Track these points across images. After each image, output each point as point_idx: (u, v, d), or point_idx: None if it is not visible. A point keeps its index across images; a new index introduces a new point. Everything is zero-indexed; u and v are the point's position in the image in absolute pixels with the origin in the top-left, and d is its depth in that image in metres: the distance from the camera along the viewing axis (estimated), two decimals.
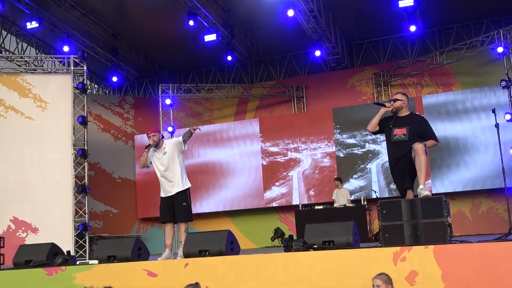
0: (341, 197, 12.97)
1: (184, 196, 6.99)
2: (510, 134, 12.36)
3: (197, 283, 5.21)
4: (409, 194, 6.06)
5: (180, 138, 7.05)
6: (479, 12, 14.35)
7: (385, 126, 6.31)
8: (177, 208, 6.94)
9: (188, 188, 7.09)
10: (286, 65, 16.90)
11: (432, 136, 6.12)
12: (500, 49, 12.56)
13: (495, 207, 13.73)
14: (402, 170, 6.10)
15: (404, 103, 6.27)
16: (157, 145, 7.06)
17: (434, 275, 4.73)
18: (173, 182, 6.98)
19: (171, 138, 7.19)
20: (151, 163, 7.16)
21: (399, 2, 12.60)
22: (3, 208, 11.66)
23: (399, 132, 6.14)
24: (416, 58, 15.14)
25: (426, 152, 5.90)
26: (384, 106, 6.38)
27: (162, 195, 7.08)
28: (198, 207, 15.16)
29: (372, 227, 12.99)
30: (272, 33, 15.14)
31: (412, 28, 13.97)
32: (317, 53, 14.41)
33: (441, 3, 13.88)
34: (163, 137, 7.24)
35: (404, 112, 6.28)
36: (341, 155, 14.76)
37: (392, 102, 6.32)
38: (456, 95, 14.17)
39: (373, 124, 6.37)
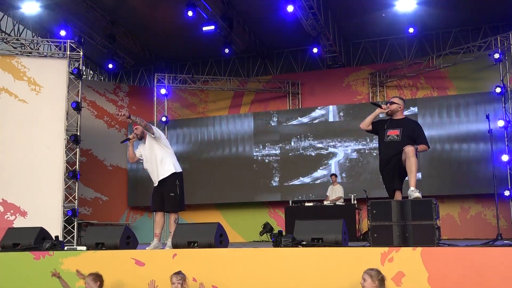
0: (335, 194, 13.03)
1: (171, 186, 6.85)
2: (503, 140, 12.43)
3: (179, 271, 5.24)
4: (397, 195, 6.14)
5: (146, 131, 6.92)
6: (477, 17, 14.39)
7: (379, 128, 6.43)
8: (166, 198, 6.88)
9: (177, 175, 6.90)
10: (283, 60, 16.89)
11: (424, 141, 6.21)
12: (496, 55, 12.61)
13: (483, 212, 13.83)
14: (392, 171, 6.20)
15: (400, 107, 6.40)
16: (143, 137, 7.00)
17: (421, 277, 4.75)
18: (155, 170, 6.90)
19: None
20: (141, 154, 7.11)
21: (398, 3, 12.62)
22: None
23: (393, 133, 6.26)
24: (412, 60, 15.18)
25: (417, 155, 5.96)
26: (380, 107, 6.47)
27: (154, 184, 7.06)
28: (188, 198, 15.14)
29: (361, 226, 13.05)
30: (270, 28, 15.12)
31: (411, 30, 14.01)
32: (315, 50, 14.41)
33: (440, 7, 13.90)
34: None
35: (399, 116, 6.41)
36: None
37: (388, 104, 6.46)
38: (450, 99, 14.24)
39: (367, 122, 6.51)
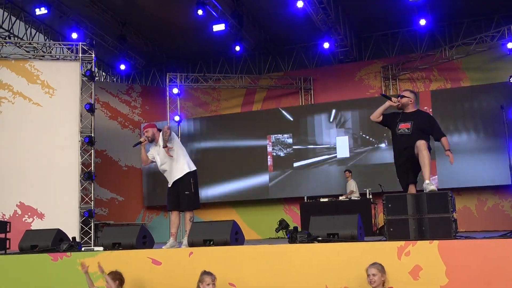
0: (348, 189, 13.01)
1: (186, 184, 6.90)
2: None
3: (210, 272, 5.17)
4: (411, 189, 6.11)
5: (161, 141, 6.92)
6: (490, 7, 14.24)
7: (391, 122, 6.39)
8: (181, 197, 6.91)
9: (191, 174, 6.94)
10: (294, 56, 16.85)
11: (440, 133, 6.18)
12: (510, 45, 12.48)
13: (501, 204, 13.70)
14: (404, 164, 6.18)
15: (411, 101, 6.35)
16: (153, 140, 7.02)
17: (438, 270, 4.72)
18: (170, 171, 6.93)
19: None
20: (154, 157, 7.12)
21: None
22: (10, 193, 11.75)
23: (404, 127, 6.24)
24: (425, 52, 15.06)
25: (430, 148, 5.92)
26: (390, 99, 6.43)
27: (169, 184, 7.08)
28: (204, 197, 15.18)
29: (377, 220, 12.99)
30: (280, 24, 15.09)
31: (422, 22, 13.89)
32: (326, 45, 14.36)
33: None
34: (159, 130, 7.09)
35: (411, 109, 6.36)
36: None
37: (399, 98, 6.41)
38: (464, 90, 14.12)
39: (376, 114, 6.46)
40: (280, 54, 16.97)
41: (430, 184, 5.61)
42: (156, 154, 7.06)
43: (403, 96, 6.37)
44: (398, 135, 6.24)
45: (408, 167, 6.14)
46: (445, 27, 15.29)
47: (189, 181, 6.94)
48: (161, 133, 6.95)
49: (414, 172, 6.14)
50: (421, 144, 5.85)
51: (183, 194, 6.89)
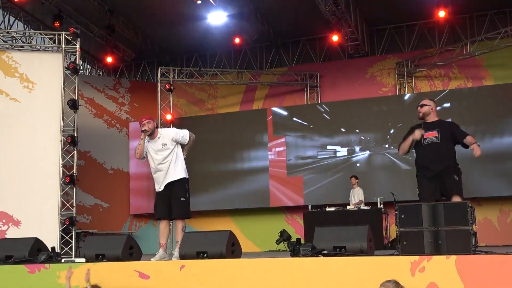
0: (354, 198, 13.00)
1: (182, 190, 6.94)
2: None
3: None
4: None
5: (182, 140, 7.07)
6: None
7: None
8: (174, 203, 6.91)
9: (186, 181, 7.02)
10: (299, 50, 16.87)
11: (465, 133, 6.52)
12: None
13: None
14: (434, 180, 6.42)
15: (432, 108, 6.64)
16: (151, 134, 7.01)
17: None
18: (167, 172, 6.94)
19: (169, 128, 7.07)
20: (146, 154, 7.14)
21: None
22: None
23: (430, 135, 6.51)
24: (444, 47, 15.07)
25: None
26: (413, 133, 6.61)
27: (158, 189, 7.08)
28: (197, 204, 15.16)
29: (388, 232, 12.99)
30: (285, 14, 15.11)
31: (441, 14, 13.89)
32: (335, 38, 14.38)
33: None
34: (157, 126, 7.22)
35: (433, 118, 6.65)
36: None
37: (419, 107, 6.70)
38: (487, 89, 14.12)
39: (405, 149, 6.74)
40: (285, 47, 16.98)
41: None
42: (152, 151, 7.03)
43: (423, 105, 6.64)
44: (425, 145, 6.49)
45: (437, 183, 6.39)
46: (466, 20, 15.30)
47: (185, 187, 6.99)
48: (182, 137, 7.04)
49: (441, 192, 6.40)
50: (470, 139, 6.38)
51: (177, 200, 6.90)
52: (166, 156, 6.95)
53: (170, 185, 6.95)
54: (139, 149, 7.02)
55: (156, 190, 7.10)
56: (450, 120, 7.71)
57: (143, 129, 6.95)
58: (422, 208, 5.29)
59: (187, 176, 7.06)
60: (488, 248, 7.71)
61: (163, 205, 6.99)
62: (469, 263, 4.76)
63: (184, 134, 7.12)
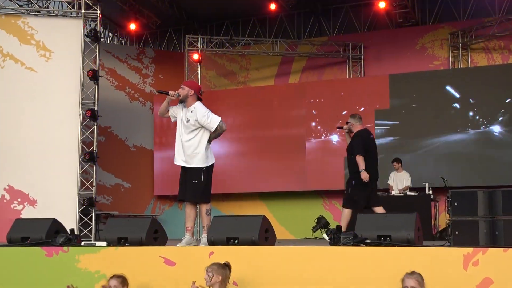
0: (400, 183, 12.88)
1: (196, 173, 6.83)
2: None
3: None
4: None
5: (206, 125, 6.86)
6: None
7: None
8: (188, 185, 6.87)
9: (204, 167, 6.89)
10: (341, 18, 16.71)
11: None
12: None
13: None
14: None
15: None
16: (183, 101, 6.92)
17: None
18: (190, 154, 6.86)
19: (204, 107, 6.86)
20: (175, 117, 7.05)
21: None
22: None
23: None
24: (504, 16, 14.77)
25: None
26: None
27: (179, 162, 6.98)
28: (225, 186, 15.22)
29: (437, 221, 12.91)
30: None
31: None
32: (381, 5, 14.25)
33: None
34: (200, 99, 7.00)
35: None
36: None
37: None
38: None
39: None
40: (325, 14, 16.84)
41: None
42: (184, 118, 6.93)
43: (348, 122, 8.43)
44: None
45: None
46: None
47: (201, 170, 6.87)
48: (208, 123, 6.83)
49: None
50: None
51: (190, 183, 6.86)
52: (191, 137, 6.86)
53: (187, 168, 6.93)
54: (161, 107, 7.12)
55: (176, 162, 7.05)
56: None
57: (167, 92, 6.93)
58: (478, 195, 5.25)
59: (207, 165, 6.89)
60: None
61: (181, 186, 6.99)
62: None
63: (212, 121, 6.87)
